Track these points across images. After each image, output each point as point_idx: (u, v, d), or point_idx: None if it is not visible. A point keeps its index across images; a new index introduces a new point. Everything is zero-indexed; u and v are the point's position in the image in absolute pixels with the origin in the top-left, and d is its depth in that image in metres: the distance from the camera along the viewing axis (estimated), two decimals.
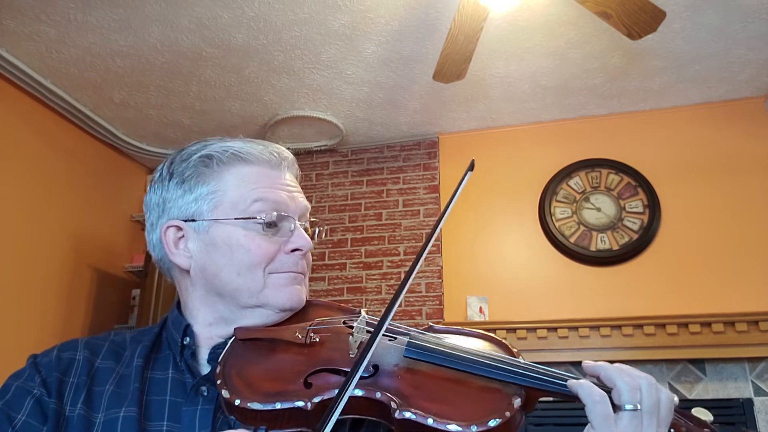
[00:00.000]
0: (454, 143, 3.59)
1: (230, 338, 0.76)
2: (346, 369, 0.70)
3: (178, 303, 0.85)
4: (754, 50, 2.80)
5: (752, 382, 2.79)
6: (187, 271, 0.81)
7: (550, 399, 0.69)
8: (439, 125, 3.53)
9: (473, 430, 0.61)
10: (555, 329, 2.95)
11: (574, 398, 0.64)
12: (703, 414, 0.66)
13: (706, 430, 0.65)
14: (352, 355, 0.72)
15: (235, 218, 0.78)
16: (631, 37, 2.23)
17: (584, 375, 0.68)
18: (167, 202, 0.81)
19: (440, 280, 3.31)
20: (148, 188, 0.85)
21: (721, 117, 3.23)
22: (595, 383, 0.64)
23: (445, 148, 3.61)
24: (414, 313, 3.26)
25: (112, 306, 3.55)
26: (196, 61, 2.84)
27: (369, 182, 3.65)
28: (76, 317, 3.27)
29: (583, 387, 0.63)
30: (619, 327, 2.87)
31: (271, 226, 0.78)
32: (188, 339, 0.79)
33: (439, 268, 3.34)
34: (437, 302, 3.26)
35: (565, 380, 0.65)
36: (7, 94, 2.90)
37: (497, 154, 3.50)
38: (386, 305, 0.66)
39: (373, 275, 3.42)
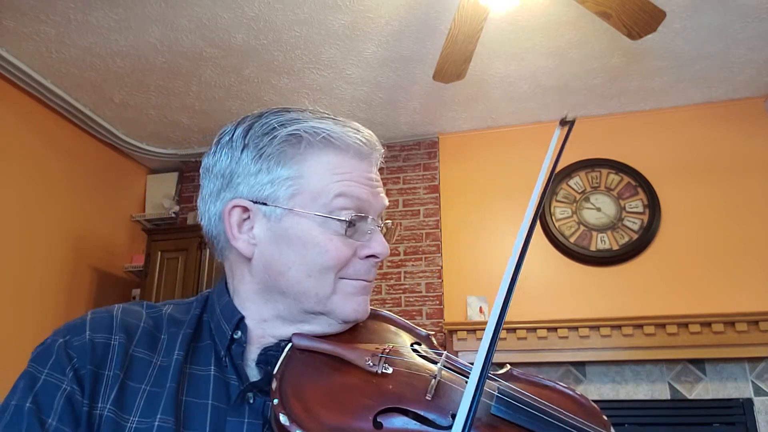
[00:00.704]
0: (454, 143, 3.59)
1: (285, 342, 0.69)
2: (418, 411, 0.61)
3: (226, 284, 0.75)
4: (754, 50, 2.80)
5: (752, 382, 2.79)
6: (248, 259, 0.71)
7: None
8: (439, 125, 3.53)
9: None
10: (555, 329, 2.95)
11: None
12: None
13: None
14: (429, 398, 0.63)
15: (315, 213, 0.68)
16: (631, 37, 2.23)
17: None
18: (236, 175, 0.71)
19: (440, 280, 3.31)
20: (212, 149, 0.74)
21: (721, 117, 3.23)
22: None
23: (445, 148, 3.61)
24: (414, 313, 3.26)
25: None
26: (196, 61, 2.84)
27: None
28: (76, 317, 3.27)
29: None
30: (619, 327, 2.87)
31: (350, 225, 0.69)
32: (240, 333, 0.70)
33: (439, 268, 3.34)
34: (437, 302, 3.26)
35: None
36: (7, 94, 2.90)
37: (497, 154, 3.50)
38: (482, 340, 0.56)
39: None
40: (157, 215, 3.81)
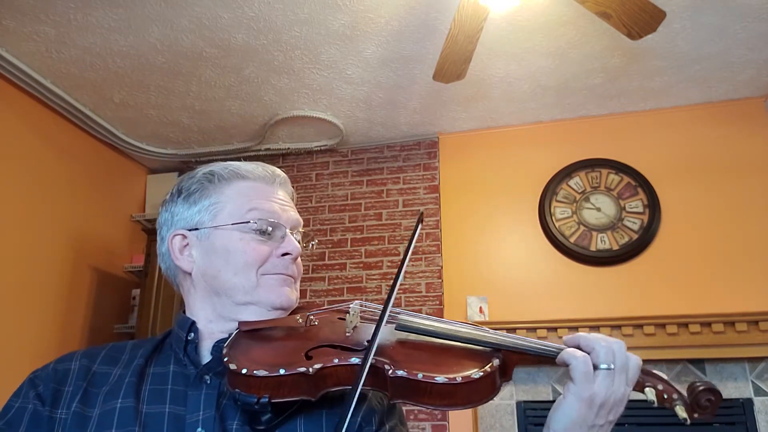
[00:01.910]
0: (454, 143, 3.59)
1: (234, 332, 0.82)
2: (343, 345, 0.77)
3: (184, 310, 0.91)
4: (754, 50, 2.80)
5: (752, 382, 2.79)
6: (190, 274, 0.88)
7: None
8: (439, 125, 3.53)
9: (458, 381, 0.69)
10: (555, 329, 2.95)
11: (549, 362, 0.75)
12: (661, 374, 0.77)
13: (663, 382, 0.75)
14: (348, 334, 0.80)
15: (233, 224, 0.86)
16: (631, 37, 2.23)
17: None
18: (175, 216, 0.91)
19: (440, 280, 3.31)
20: (159, 212, 0.96)
21: (721, 117, 3.23)
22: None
23: (445, 148, 3.60)
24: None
25: (112, 306, 3.55)
26: (196, 61, 2.84)
27: (369, 182, 3.65)
28: (76, 317, 3.27)
29: (567, 350, 0.74)
30: (619, 327, 2.87)
31: (264, 233, 0.87)
32: (192, 334, 0.85)
33: (439, 268, 3.34)
34: (437, 302, 3.26)
35: (543, 346, 0.76)
36: (7, 94, 2.90)
37: (497, 154, 3.50)
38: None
39: (373, 275, 3.42)
40: (157, 215, 3.80)
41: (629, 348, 0.75)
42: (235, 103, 3.24)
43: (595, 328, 2.90)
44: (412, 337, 0.79)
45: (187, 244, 0.89)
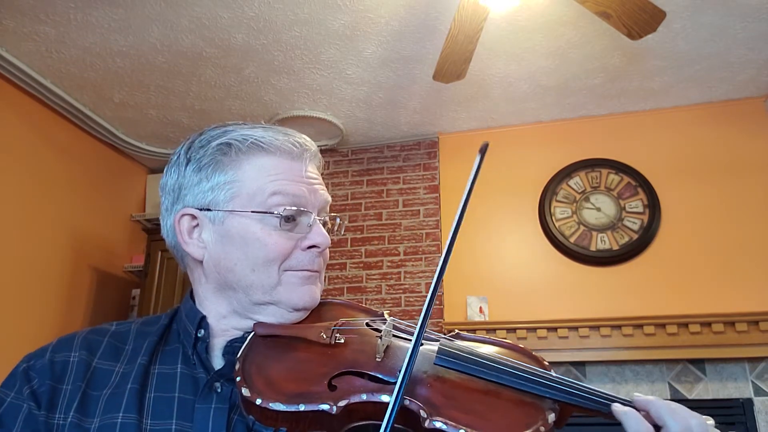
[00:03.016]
0: (454, 143, 3.59)
1: (248, 332, 0.74)
2: (372, 373, 0.67)
3: (191, 293, 0.82)
4: (754, 50, 2.80)
5: (752, 382, 2.79)
6: (200, 262, 0.78)
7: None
8: (439, 125, 3.53)
9: None
10: (555, 329, 2.95)
11: (605, 415, 0.63)
12: None
13: None
14: (379, 359, 0.69)
15: (252, 211, 0.75)
16: (631, 37, 2.23)
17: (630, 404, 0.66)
18: (183, 188, 0.78)
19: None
20: (165, 169, 0.82)
21: (721, 117, 3.23)
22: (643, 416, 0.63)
23: (445, 148, 3.60)
24: (414, 313, 3.26)
25: (112, 306, 3.55)
26: (196, 61, 2.84)
27: (369, 182, 3.65)
28: (76, 317, 3.27)
29: (629, 416, 0.61)
30: (619, 327, 2.87)
31: (288, 220, 0.75)
32: (203, 331, 0.76)
33: None
34: (437, 302, 3.26)
35: (606, 400, 0.64)
36: (7, 94, 2.90)
37: (497, 154, 3.50)
38: (421, 311, 0.65)
39: (373, 275, 3.42)
40: (157, 215, 3.80)
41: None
42: (235, 103, 3.24)
43: (595, 328, 2.90)
44: (453, 374, 0.68)
45: (197, 225, 0.77)
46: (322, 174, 0.86)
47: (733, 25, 2.61)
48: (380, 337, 0.71)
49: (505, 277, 3.24)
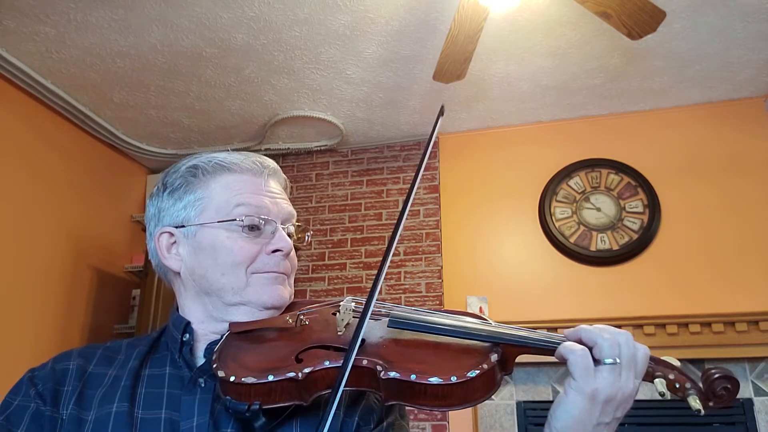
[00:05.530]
0: (454, 143, 3.59)
1: (225, 333, 0.81)
2: (334, 345, 0.75)
3: (178, 308, 0.90)
4: (754, 50, 2.80)
5: (752, 382, 2.79)
6: (179, 274, 0.86)
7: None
8: (439, 125, 3.52)
9: (453, 380, 0.66)
10: (555, 329, 2.95)
11: (549, 354, 0.71)
12: (672, 360, 0.73)
13: (674, 371, 0.72)
14: (340, 333, 0.77)
15: (219, 221, 0.83)
16: (631, 37, 2.23)
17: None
18: (161, 211, 0.88)
19: (440, 280, 3.31)
20: (146, 203, 0.92)
21: (721, 117, 3.23)
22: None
23: (445, 148, 3.60)
24: None
25: (112, 306, 3.55)
26: (196, 61, 2.84)
27: (369, 182, 3.65)
28: (76, 317, 3.27)
29: (565, 345, 0.69)
30: (619, 327, 2.86)
31: (252, 229, 0.84)
32: (187, 335, 0.83)
33: (439, 268, 3.34)
34: (437, 302, 3.26)
35: (544, 338, 0.72)
36: (7, 94, 2.90)
37: (497, 154, 3.50)
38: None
39: (373, 275, 3.42)
40: None
41: None
42: (235, 103, 3.24)
43: None
44: (407, 333, 0.76)
45: (175, 242, 0.86)
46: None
47: (733, 25, 2.61)
48: (337, 312, 0.81)
49: (505, 277, 3.24)
